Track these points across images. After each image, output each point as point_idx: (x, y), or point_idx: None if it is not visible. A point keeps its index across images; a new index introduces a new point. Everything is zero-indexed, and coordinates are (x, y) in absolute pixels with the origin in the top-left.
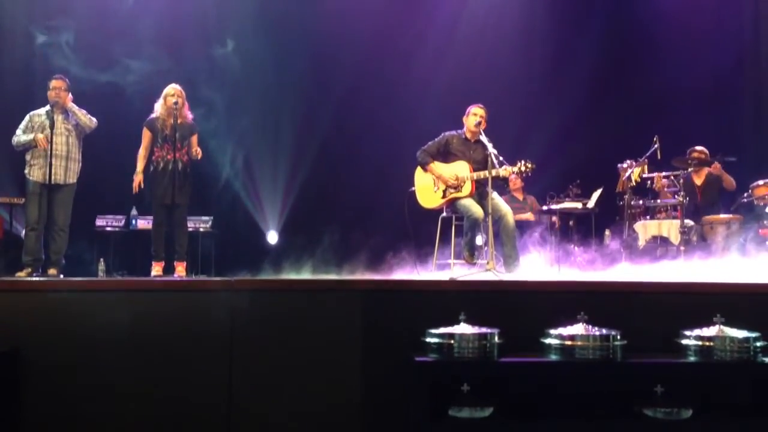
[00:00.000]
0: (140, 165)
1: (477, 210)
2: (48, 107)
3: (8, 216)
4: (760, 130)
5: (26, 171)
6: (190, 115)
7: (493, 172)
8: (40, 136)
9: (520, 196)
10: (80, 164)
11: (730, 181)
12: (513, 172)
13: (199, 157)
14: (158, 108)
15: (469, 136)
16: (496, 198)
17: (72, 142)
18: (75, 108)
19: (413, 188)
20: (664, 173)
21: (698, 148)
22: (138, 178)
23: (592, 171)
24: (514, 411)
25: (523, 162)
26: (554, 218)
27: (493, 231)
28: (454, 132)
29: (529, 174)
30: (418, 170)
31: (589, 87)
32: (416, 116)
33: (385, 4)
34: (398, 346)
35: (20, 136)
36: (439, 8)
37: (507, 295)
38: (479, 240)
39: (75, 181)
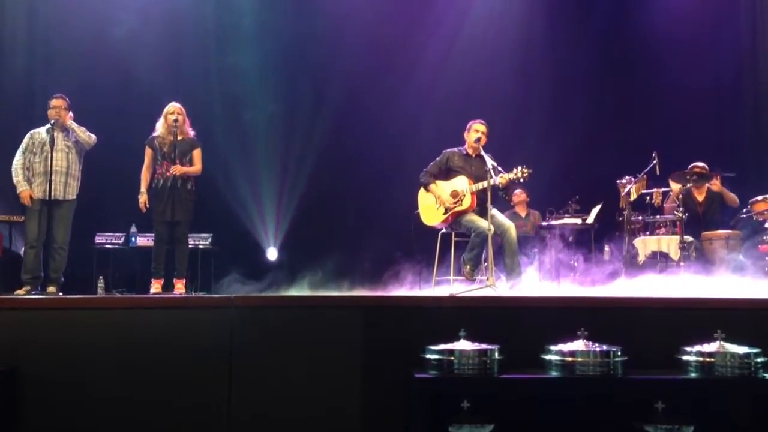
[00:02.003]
0: (144, 184)
1: (485, 224)
2: (48, 125)
3: (8, 234)
4: (758, 145)
5: None
6: (191, 131)
7: (490, 182)
8: (27, 193)
9: (522, 212)
10: (80, 181)
11: (732, 198)
12: (509, 179)
13: (177, 173)
14: (159, 126)
15: (470, 151)
16: (497, 213)
17: (72, 159)
18: (75, 126)
19: (417, 210)
20: (662, 189)
21: (699, 163)
22: (143, 197)
23: (592, 186)
24: (515, 428)
25: (520, 168)
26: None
27: (497, 245)
28: (454, 149)
29: (526, 179)
30: (421, 191)
31: (588, 102)
32: (416, 130)
33: (385, 18)
34: (398, 362)
35: (18, 170)
36: (439, 23)
37: (507, 311)
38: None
39: (74, 197)
